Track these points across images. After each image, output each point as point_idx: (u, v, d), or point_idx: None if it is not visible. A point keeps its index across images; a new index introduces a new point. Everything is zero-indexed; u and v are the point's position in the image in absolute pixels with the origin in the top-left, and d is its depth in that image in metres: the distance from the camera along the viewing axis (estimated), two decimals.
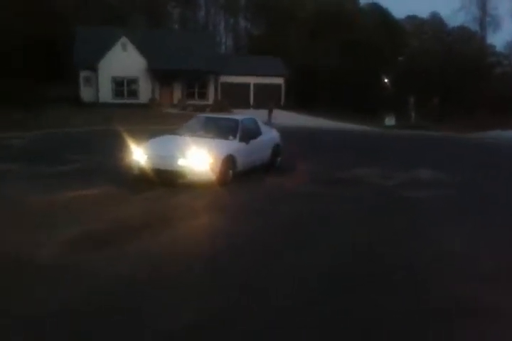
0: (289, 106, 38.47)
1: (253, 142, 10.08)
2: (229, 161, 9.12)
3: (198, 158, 8.63)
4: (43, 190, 8.07)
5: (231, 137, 9.70)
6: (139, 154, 9.00)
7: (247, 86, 38.64)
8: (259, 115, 27.77)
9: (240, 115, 11.75)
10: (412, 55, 57.43)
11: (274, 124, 26.75)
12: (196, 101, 35.99)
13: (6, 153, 13.18)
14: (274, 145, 11.19)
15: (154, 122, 22.04)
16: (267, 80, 38.75)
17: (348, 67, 46.36)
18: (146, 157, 8.90)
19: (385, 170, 11.68)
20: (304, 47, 48.14)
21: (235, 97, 36.62)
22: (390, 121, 28.87)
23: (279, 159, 11.50)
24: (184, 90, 36.37)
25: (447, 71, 49.00)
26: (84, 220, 6.39)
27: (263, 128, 11.05)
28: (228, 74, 37.21)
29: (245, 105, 36.84)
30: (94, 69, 34.55)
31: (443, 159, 15.05)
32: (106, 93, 34.98)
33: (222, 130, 10.03)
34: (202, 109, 34.02)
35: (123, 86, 35.56)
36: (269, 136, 11.13)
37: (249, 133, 10.07)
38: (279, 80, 39.56)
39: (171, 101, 35.85)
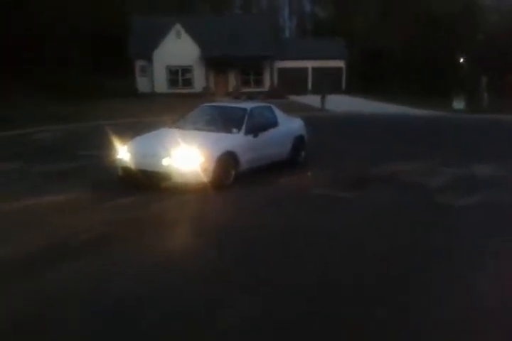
0: (351, 91, 36.08)
1: (264, 135, 8.52)
2: (228, 159, 7.65)
3: (186, 157, 7.23)
4: (9, 194, 7.07)
5: (235, 130, 8.19)
6: (123, 152, 7.76)
7: (305, 70, 36.60)
8: (317, 101, 26.29)
9: (252, 103, 10.14)
10: (492, 31, 52.25)
11: (328, 111, 24.92)
12: (252, 89, 34.61)
13: (23, 148, 12.53)
14: (295, 137, 9.54)
15: None
16: (327, 64, 36.45)
17: (420, 47, 42.85)
18: (129, 156, 7.64)
19: (433, 165, 9.68)
20: (372, 26, 45.10)
21: (293, 83, 34.86)
22: (459, 104, 25.77)
23: (302, 154, 9.85)
24: (239, 77, 35.08)
25: None
26: (14, 238, 5.24)
27: (281, 117, 9.41)
28: (285, 59, 35.43)
29: (303, 91, 34.97)
30: (149, 59, 34.13)
31: None
32: (161, 83, 34.49)
33: (225, 121, 8.56)
34: (256, 96, 32.71)
35: (178, 75, 34.88)
36: (289, 126, 9.48)
37: (260, 125, 8.50)
38: (340, 63, 37.13)
39: (225, 90, 34.72)
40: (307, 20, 60.85)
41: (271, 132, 8.83)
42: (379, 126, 17.96)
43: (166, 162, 7.24)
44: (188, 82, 34.90)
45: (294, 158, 9.55)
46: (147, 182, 7.39)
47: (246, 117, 8.41)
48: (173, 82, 34.83)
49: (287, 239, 5.37)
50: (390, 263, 4.70)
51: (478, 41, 51.30)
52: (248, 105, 8.98)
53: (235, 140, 8.00)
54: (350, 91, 36.05)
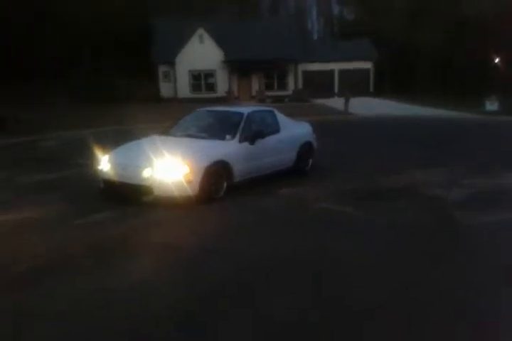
0: (379, 93, 34.85)
1: (263, 142, 7.69)
2: (218, 170, 6.85)
3: (168, 168, 6.47)
4: None
5: (228, 136, 7.39)
6: (104, 163, 7.07)
7: (330, 73, 35.56)
8: (342, 104, 25.21)
9: (251, 107, 9.26)
10: None
11: (352, 114, 23.86)
12: (276, 92, 33.87)
13: (23, 156, 12.06)
14: (301, 144, 8.66)
15: None
16: (354, 65, 35.33)
17: (453, 48, 41.16)
18: (110, 166, 6.94)
19: (455, 174, 8.64)
20: (403, 27, 43.65)
21: (318, 86, 33.93)
22: (491, 105, 24.26)
23: (310, 162, 8.96)
24: (262, 81, 34.32)
25: None
26: None
27: (284, 123, 8.56)
28: (310, 62, 34.51)
29: (329, 94, 33.95)
30: (172, 63, 33.77)
31: None
32: (184, 88, 34.06)
33: (219, 127, 7.79)
34: (281, 100, 31.88)
35: (200, 80, 34.39)
36: (294, 132, 8.61)
37: (258, 131, 7.67)
38: (368, 65, 35.92)
39: (249, 94, 34.05)
40: (335, 22, 59.69)
41: (271, 139, 7.99)
42: (403, 129, 16.85)
43: (146, 173, 6.49)
44: (210, 87, 34.36)
45: (300, 167, 8.68)
46: (128, 196, 6.67)
47: (242, 123, 7.60)
48: (195, 86, 34.36)
49: (277, 272, 4.47)
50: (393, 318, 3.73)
51: None
52: (246, 109, 8.16)
53: (228, 148, 7.19)
54: (378, 93, 34.84)
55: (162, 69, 34.54)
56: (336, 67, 35.29)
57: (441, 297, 3.90)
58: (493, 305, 3.76)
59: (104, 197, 6.95)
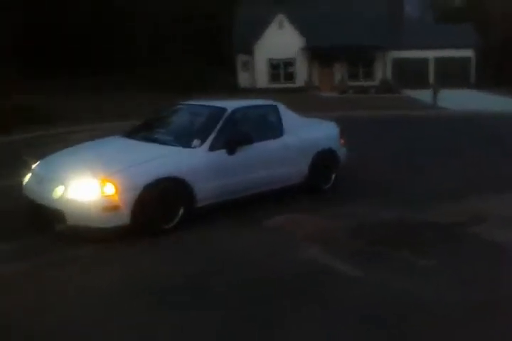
0: (482, 85, 30.41)
1: (251, 150, 5.52)
2: (167, 190, 4.84)
3: (83, 186, 4.57)
4: None
5: (196, 142, 5.31)
6: (28, 175, 5.34)
7: (425, 61, 31.64)
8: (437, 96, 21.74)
9: (247, 101, 6.89)
10: None
11: (441, 108, 20.45)
12: (360, 83, 30.85)
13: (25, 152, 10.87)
14: (317, 152, 6.33)
15: (303, 109, 18.00)
16: (453, 53, 31.10)
17: None
18: (29, 178, 5.20)
19: None
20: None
21: (410, 76, 30.31)
22: None
23: (332, 177, 6.60)
24: (346, 70, 31.41)
25: None
26: None
27: (293, 123, 6.23)
28: (402, 49, 30.93)
29: (422, 85, 30.20)
30: (250, 52, 32.09)
31: None
32: (262, 77, 32.21)
33: (190, 129, 5.78)
34: (366, 91, 28.90)
35: (279, 69, 32.31)
36: (306, 136, 6.26)
37: (242, 135, 5.51)
38: (469, 53, 31.48)
39: (330, 84, 31.35)
40: (432, 5, 54.18)
41: (268, 145, 5.79)
42: (500, 129, 13.50)
43: (58, 193, 4.65)
44: (290, 76, 32.15)
45: (315, 184, 6.37)
46: (42, 222, 4.89)
47: (220, 123, 5.47)
48: (274, 76, 32.34)
49: None
50: None
51: None
52: (233, 104, 5.97)
53: (189, 159, 5.12)
54: (480, 85, 30.41)
55: (241, 58, 32.97)
56: (431, 54, 31.29)
57: None
58: None
59: (28, 219, 5.24)
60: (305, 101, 22.69)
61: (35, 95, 19.16)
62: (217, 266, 4.17)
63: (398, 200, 6.11)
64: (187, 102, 6.43)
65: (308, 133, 6.33)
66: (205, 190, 5.11)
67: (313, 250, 4.49)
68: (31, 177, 5.15)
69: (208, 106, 6.08)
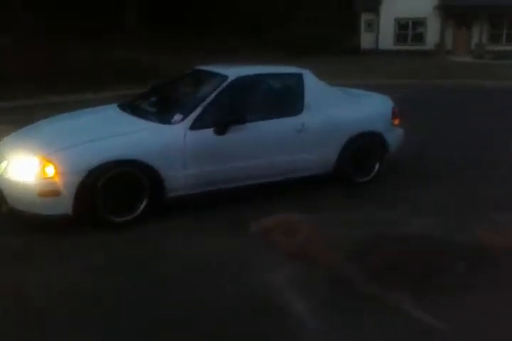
0: None
1: (246, 130, 4.40)
2: (123, 174, 3.99)
3: (22, 166, 3.90)
4: None
5: (177, 117, 4.32)
6: None
7: None
8: None
9: (262, 67, 5.26)
10: None
11: None
12: (503, 47, 26.65)
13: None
14: (353, 136, 4.96)
15: (428, 75, 16.24)
16: None
17: None
18: None
19: None
20: None
21: None
22: None
23: (375, 168, 5.21)
24: (485, 32, 27.26)
25: None
26: None
27: (321, 96, 4.86)
28: None
29: None
30: (377, 10, 29.36)
31: None
32: (387, 38, 29.37)
33: (180, 100, 4.80)
34: (508, 56, 24.89)
35: (407, 29, 29.16)
36: (338, 114, 4.89)
37: (238, 111, 4.40)
38: None
39: (466, 47, 27.58)
40: None
41: (272, 124, 4.60)
42: None
43: (1, 170, 4.04)
44: (419, 37, 28.87)
45: (348, 175, 5.07)
46: None
47: (212, 95, 4.39)
48: (400, 37, 29.30)
49: None
50: None
51: None
52: (241, 71, 4.80)
53: (161, 138, 4.18)
54: None
55: (365, 17, 30.37)
56: None
57: None
58: None
59: None
60: (437, 67, 20.08)
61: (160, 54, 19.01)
62: (138, 285, 3.26)
63: (443, 208, 4.59)
64: (199, 67, 5.38)
65: (341, 111, 4.96)
66: (179, 178, 4.17)
67: (282, 275, 3.35)
68: None
69: (211, 73, 4.98)
